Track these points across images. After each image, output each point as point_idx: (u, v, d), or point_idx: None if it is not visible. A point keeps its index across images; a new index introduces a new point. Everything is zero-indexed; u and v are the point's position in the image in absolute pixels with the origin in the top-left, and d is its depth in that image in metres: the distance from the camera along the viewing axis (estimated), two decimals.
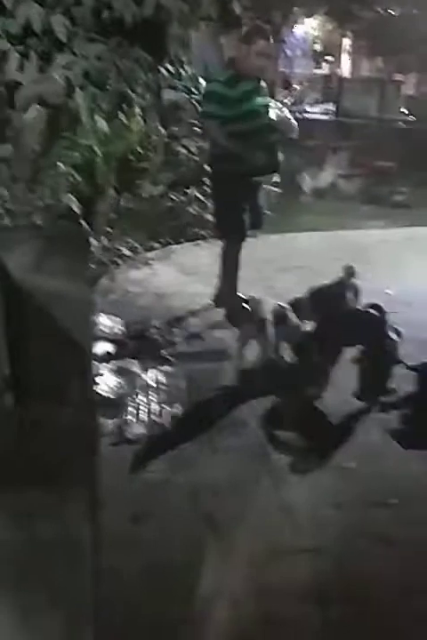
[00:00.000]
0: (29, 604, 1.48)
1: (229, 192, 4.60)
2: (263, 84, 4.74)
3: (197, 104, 7.29)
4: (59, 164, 5.13)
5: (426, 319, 4.92)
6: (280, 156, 4.71)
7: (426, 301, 5.29)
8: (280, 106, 4.87)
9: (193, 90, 7.09)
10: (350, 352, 3.93)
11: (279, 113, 4.70)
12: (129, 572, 2.50)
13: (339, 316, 3.97)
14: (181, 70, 6.61)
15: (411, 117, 12.93)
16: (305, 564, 2.65)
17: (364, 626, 2.39)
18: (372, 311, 3.95)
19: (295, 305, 4.03)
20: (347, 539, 2.79)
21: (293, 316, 4.04)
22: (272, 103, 4.77)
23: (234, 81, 4.49)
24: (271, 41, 4.67)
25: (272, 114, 4.65)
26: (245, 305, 4.11)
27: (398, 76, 13.95)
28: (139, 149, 6.24)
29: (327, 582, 2.57)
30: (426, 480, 3.19)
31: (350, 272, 4.17)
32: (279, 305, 4.07)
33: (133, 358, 4.17)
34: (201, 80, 6.91)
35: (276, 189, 6.91)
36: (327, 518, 2.89)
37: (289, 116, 4.80)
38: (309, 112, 13.32)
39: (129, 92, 5.10)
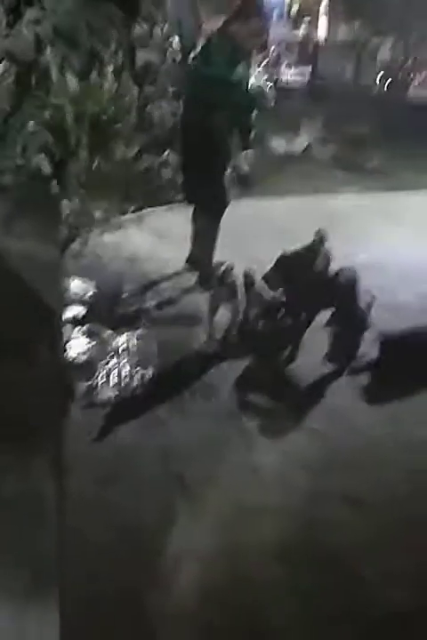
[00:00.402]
0: None
1: (201, 163, 4.55)
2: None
3: (171, 65, 7.18)
4: (29, 123, 5.00)
5: (398, 284, 4.96)
6: (256, 132, 4.68)
7: (398, 266, 5.33)
8: (262, 75, 4.81)
9: (167, 50, 6.95)
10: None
11: (260, 83, 4.66)
12: (96, 534, 2.51)
13: (311, 280, 3.97)
14: (154, 29, 6.47)
15: (388, 81, 12.86)
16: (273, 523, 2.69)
17: (330, 587, 2.43)
18: (344, 275, 3.96)
19: (266, 277, 4.01)
20: (315, 500, 2.83)
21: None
22: (253, 73, 4.71)
23: (225, 55, 4.39)
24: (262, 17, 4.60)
25: (252, 83, 4.61)
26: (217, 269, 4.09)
27: (375, 40, 13.83)
28: (112, 110, 6.12)
29: (295, 543, 2.61)
30: (390, 442, 3.24)
31: (320, 237, 4.16)
32: (250, 269, 4.07)
33: (105, 322, 4.15)
34: (176, 41, 6.79)
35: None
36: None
37: (268, 83, 4.75)
38: (284, 77, 13.17)
39: (101, 50, 4.97)
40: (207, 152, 4.48)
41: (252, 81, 4.67)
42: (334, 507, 2.80)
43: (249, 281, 4.01)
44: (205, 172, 4.58)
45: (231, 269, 3.97)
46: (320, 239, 4.14)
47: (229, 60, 4.41)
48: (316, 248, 4.13)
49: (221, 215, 4.80)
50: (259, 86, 4.67)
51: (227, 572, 2.46)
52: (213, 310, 4.06)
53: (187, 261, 4.88)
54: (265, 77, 4.64)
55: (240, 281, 3.98)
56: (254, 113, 4.66)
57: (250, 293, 4.01)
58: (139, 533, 2.56)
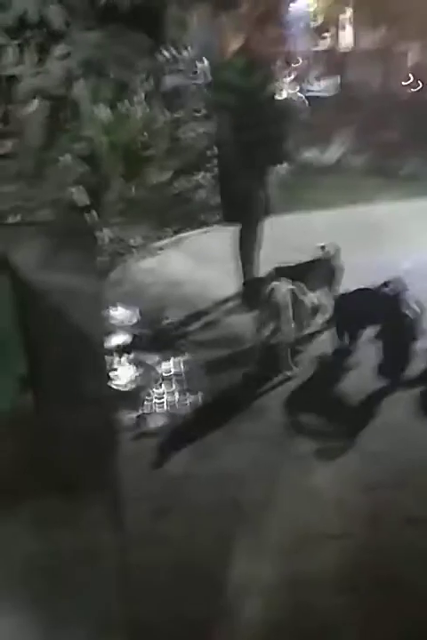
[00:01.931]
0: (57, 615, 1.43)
1: (236, 180, 4.49)
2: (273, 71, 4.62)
3: (199, 88, 7.19)
4: (64, 156, 5.05)
5: None
6: (290, 145, 4.60)
7: None
8: (292, 88, 4.75)
9: (196, 74, 6.96)
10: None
11: (291, 95, 4.60)
12: (156, 571, 2.45)
13: (357, 295, 3.89)
14: (181, 54, 6.48)
15: (418, 85, 12.69)
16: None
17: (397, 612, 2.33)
18: (389, 285, 3.87)
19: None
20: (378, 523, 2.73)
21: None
22: (281, 85, 4.64)
23: (250, 70, 4.34)
24: (282, 25, 4.55)
25: (284, 96, 4.54)
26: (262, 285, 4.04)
27: (402, 46, 13.68)
28: (143, 136, 6.14)
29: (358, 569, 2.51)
30: None
31: (324, 251, 4.13)
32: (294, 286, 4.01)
33: (150, 349, 4.12)
34: (203, 63, 6.80)
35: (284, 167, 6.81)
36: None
37: (300, 95, 4.69)
38: (313, 89, 13.12)
39: (130, 78, 5.00)
40: (242, 168, 4.43)
41: (281, 92, 4.58)
42: (397, 529, 2.69)
43: (293, 298, 3.94)
44: (242, 189, 4.52)
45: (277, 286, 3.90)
46: (325, 254, 4.12)
47: (252, 72, 4.36)
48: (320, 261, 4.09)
49: (259, 228, 4.75)
50: (289, 97, 4.57)
51: (289, 600, 2.37)
52: (261, 329, 3.99)
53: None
54: (297, 89, 4.55)
55: (284, 298, 3.90)
56: (285, 124, 4.58)
57: (295, 310, 3.94)
58: (198, 565, 2.49)
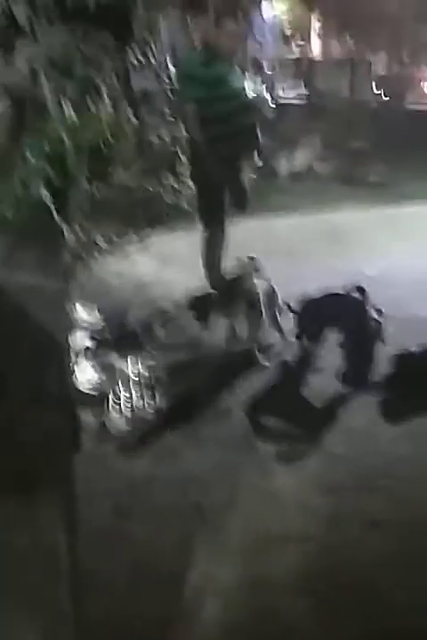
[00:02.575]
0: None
1: (210, 176, 4.50)
2: (237, 67, 4.67)
3: (167, 90, 7.19)
4: (28, 156, 4.99)
5: (408, 297, 4.88)
6: (260, 137, 4.62)
7: (407, 280, 5.25)
8: (255, 84, 4.78)
9: (163, 76, 6.96)
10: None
11: (255, 91, 4.63)
12: (113, 572, 2.42)
13: (320, 300, 3.91)
14: (149, 56, 6.47)
15: (383, 97, 12.88)
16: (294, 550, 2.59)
17: (356, 614, 2.33)
18: (353, 292, 3.90)
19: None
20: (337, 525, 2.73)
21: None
22: (247, 83, 4.68)
23: (208, 61, 4.41)
24: (240, 21, 4.59)
25: (249, 92, 4.58)
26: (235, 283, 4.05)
27: (369, 56, 13.87)
28: (110, 138, 6.11)
29: (320, 572, 2.51)
30: (415, 461, 3.13)
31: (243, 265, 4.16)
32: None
33: (113, 350, 4.09)
34: (171, 66, 6.79)
35: (252, 174, 6.83)
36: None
37: (265, 93, 4.72)
38: (282, 96, 13.20)
39: (96, 78, 4.96)
40: (212, 164, 4.43)
41: (248, 88, 4.62)
42: (357, 530, 2.70)
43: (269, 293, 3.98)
44: (213, 187, 4.52)
45: (251, 277, 3.91)
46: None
47: (213, 63, 4.40)
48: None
49: (226, 230, 4.76)
50: (256, 94, 4.61)
51: (248, 602, 2.36)
52: (233, 324, 4.00)
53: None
54: (263, 87, 4.58)
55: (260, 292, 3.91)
56: (253, 119, 4.60)
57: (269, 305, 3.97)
58: (157, 567, 2.47)
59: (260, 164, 4.80)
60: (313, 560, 2.55)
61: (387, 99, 12.78)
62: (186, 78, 4.62)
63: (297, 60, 15.21)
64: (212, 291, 4.56)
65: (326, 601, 2.37)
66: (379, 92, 13.20)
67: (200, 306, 4.06)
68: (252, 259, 4.21)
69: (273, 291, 4.08)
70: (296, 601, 2.37)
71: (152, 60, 6.84)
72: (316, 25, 16.59)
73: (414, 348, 3.78)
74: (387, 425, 3.42)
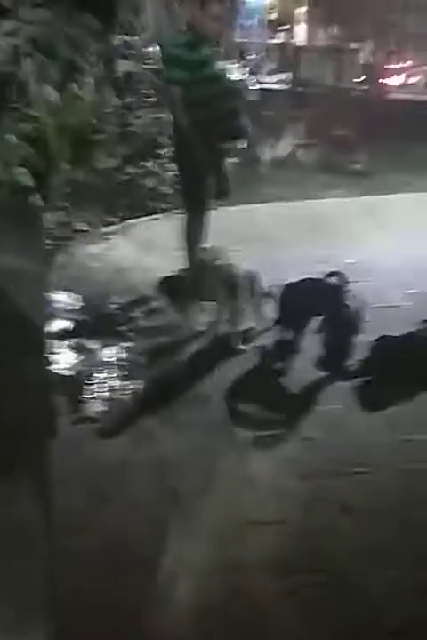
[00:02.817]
0: None
1: (193, 161, 4.49)
2: (221, 50, 4.65)
3: (152, 74, 7.13)
4: (9, 136, 4.93)
5: (386, 286, 4.93)
6: (246, 121, 4.59)
7: (386, 269, 5.30)
8: (238, 68, 4.74)
9: (147, 59, 6.90)
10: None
11: (239, 76, 4.60)
12: (88, 555, 2.44)
13: (299, 286, 3.93)
14: (133, 39, 6.42)
15: (368, 86, 12.90)
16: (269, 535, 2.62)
17: (331, 599, 2.37)
18: (332, 279, 3.92)
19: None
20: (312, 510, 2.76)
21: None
22: (231, 66, 4.65)
23: (193, 44, 4.39)
24: (225, 5, 4.56)
25: (233, 77, 4.56)
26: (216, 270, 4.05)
27: (354, 45, 13.87)
28: (93, 121, 6.05)
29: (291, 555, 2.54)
30: (391, 448, 3.17)
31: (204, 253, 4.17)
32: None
33: (93, 335, 4.08)
34: (155, 49, 6.73)
35: (234, 160, 6.82)
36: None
37: (248, 77, 4.69)
38: (266, 82, 13.16)
39: (79, 60, 4.91)
40: (196, 148, 4.42)
41: (233, 73, 4.59)
42: (332, 516, 2.73)
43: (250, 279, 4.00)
44: (196, 170, 4.51)
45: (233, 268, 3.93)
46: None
47: (197, 46, 4.38)
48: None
49: (206, 218, 4.76)
50: (240, 79, 4.58)
51: (223, 586, 2.39)
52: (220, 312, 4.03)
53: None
54: (245, 72, 4.53)
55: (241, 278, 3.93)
56: (237, 102, 4.58)
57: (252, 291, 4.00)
58: (132, 550, 2.49)
59: (244, 145, 4.74)
60: (287, 544, 2.58)
61: (371, 87, 12.79)
62: (170, 61, 4.58)
63: (282, 45, 15.17)
64: (183, 273, 4.56)
65: (300, 585, 2.41)
66: (364, 81, 13.22)
67: (172, 288, 4.04)
68: (214, 247, 4.22)
69: (253, 276, 4.10)
70: (270, 584, 2.40)
71: (137, 43, 6.79)
72: (301, 11, 16.52)
73: (389, 336, 3.81)
74: (363, 412, 3.45)
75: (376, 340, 3.84)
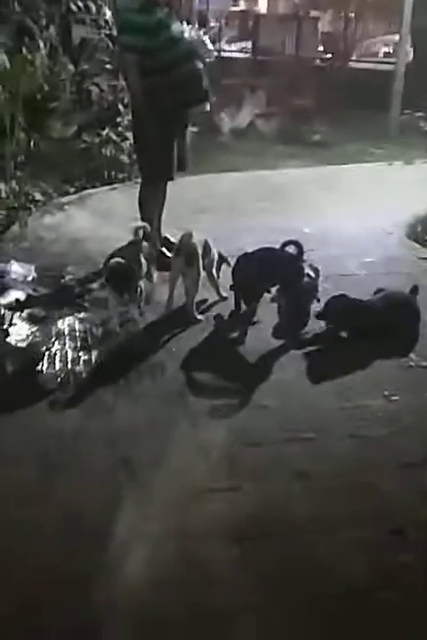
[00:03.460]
0: None
1: (150, 129, 4.39)
2: (176, 14, 4.54)
3: (108, 40, 7.01)
4: None
5: (342, 256, 4.98)
6: (206, 84, 4.48)
7: (342, 238, 5.34)
8: (194, 30, 4.60)
9: (102, 23, 6.76)
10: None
11: (195, 36, 4.47)
12: (41, 524, 2.43)
13: (254, 255, 3.92)
14: (88, 3, 6.27)
15: (328, 55, 12.89)
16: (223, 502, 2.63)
17: (282, 561, 2.40)
18: (288, 249, 3.92)
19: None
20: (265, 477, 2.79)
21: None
22: (187, 28, 4.52)
23: (148, 8, 4.27)
24: None
25: (191, 41, 4.43)
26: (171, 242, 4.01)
27: (315, 13, 13.81)
28: (46, 87, 5.92)
29: (245, 522, 2.56)
30: (339, 414, 3.21)
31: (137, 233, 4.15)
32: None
33: (47, 306, 4.03)
34: (109, 13, 6.60)
35: (193, 129, 6.75)
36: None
37: (205, 38, 4.55)
38: (226, 50, 13.05)
39: (30, 24, 4.77)
40: (153, 115, 4.33)
41: (190, 37, 4.45)
42: (285, 482, 2.76)
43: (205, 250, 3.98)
44: (155, 139, 4.42)
45: (190, 238, 3.89)
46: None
47: (152, 10, 4.28)
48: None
49: (164, 185, 4.71)
50: (198, 43, 4.44)
51: (175, 554, 2.40)
52: (173, 281, 4.01)
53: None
54: (207, 37, 4.39)
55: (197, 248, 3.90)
56: (195, 66, 4.47)
57: (206, 261, 3.98)
58: (84, 520, 2.48)
59: (208, 108, 4.63)
60: (241, 511, 2.60)
61: (332, 56, 12.79)
62: (125, 25, 4.47)
63: (242, 12, 15.03)
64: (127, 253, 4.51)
65: (253, 551, 2.43)
66: (324, 50, 13.21)
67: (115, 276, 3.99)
68: (142, 228, 4.19)
69: (210, 246, 4.08)
70: (223, 551, 2.42)
71: (91, 7, 6.64)
72: None
73: (343, 304, 3.84)
74: (314, 381, 3.48)
75: (334, 296, 3.87)
